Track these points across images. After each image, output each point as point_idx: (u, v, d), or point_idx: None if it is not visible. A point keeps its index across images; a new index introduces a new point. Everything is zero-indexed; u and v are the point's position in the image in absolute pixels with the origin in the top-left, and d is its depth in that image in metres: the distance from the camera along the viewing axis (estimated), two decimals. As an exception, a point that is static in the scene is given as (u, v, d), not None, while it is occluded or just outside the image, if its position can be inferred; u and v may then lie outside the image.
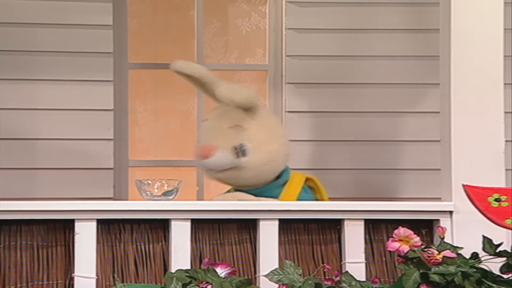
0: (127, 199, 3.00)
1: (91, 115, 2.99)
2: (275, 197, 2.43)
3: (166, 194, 2.26)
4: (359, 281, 2.04)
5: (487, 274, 1.98)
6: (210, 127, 2.40)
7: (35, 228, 2.13)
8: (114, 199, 2.95)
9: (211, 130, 2.39)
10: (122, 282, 2.08)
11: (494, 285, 1.92)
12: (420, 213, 2.21)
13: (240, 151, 2.33)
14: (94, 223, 2.13)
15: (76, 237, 2.12)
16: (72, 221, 2.12)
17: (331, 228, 2.22)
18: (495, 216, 1.95)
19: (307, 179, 2.50)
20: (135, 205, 2.18)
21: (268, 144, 2.39)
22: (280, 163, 2.42)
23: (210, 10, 3.23)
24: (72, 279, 2.11)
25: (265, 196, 2.41)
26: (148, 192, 2.26)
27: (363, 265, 2.18)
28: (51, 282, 2.11)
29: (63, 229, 2.15)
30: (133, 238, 2.17)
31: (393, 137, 3.07)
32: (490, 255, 1.99)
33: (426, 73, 3.00)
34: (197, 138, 2.47)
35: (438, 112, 2.30)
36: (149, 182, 2.26)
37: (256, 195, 2.39)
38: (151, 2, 3.25)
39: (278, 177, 2.45)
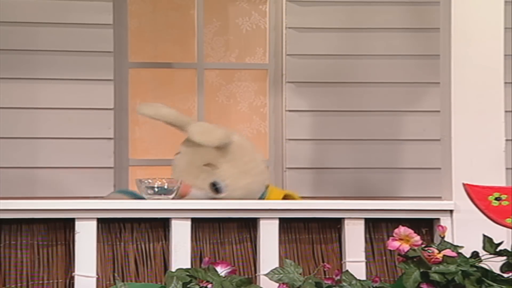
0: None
1: (92, 114, 2.99)
2: None
3: (167, 193, 2.26)
4: (360, 280, 2.04)
5: (487, 273, 1.97)
6: (183, 164, 2.39)
7: (35, 227, 2.13)
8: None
9: (185, 167, 2.37)
10: (123, 281, 2.08)
11: (494, 284, 1.92)
12: (421, 212, 2.21)
13: (216, 189, 2.33)
14: (95, 222, 2.12)
15: (77, 236, 2.11)
16: (72, 220, 2.12)
17: (332, 227, 2.22)
18: (495, 215, 1.94)
19: (285, 196, 2.48)
20: (136, 204, 2.18)
21: (242, 179, 2.39)
22: (257, 192, 2.41)
23: (210, 9, 3.23)
24: (72, 278, 2.10)
25: None
26: (148, 191, 2.25)
27: (363, 264, 2.18)
28: (51, 281, 2.11)
29: (63, 228, 2.15)
30: (133, 237, 2.17)
31: (393, 136, 3.06)
32: (491, 254, 1.99)
33: (426, 72, 3.00)
34: (172, 171, 2.42)
35: (439, 111, 2.30)
36: (149, 181, 2.26)
37: None
38: (151, 1, 3.25)
39: None
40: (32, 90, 2.98)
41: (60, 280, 2.11)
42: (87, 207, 2.13)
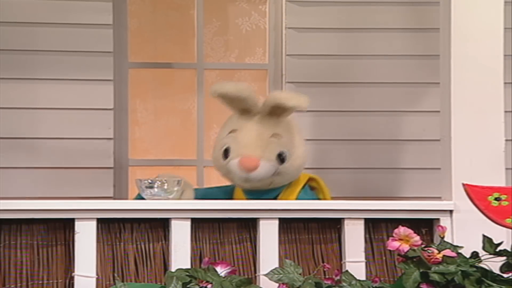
0: (127, 198, 3.00)
1: (91, 114, 2.99)
2: (275, 196, 2.43)
3: (166, 193, 2.26)
4: (359, 280, 2.04)
5: (487, 273, 1.97)
6: (248, 138, 2.37)
7: (35, 227, 2.12)
8: (114, 198, 2.95)
9: (251, 141, 2.36)
10: (122, 281, 2.08)
11: (494, 284, 1.92)
12: (420, 212, 2.20)
13: (281, 158, 2.34)
14: (94, 222, 2.12)
15: (76, 236, 2.11)
16: (72, 220, 2.12)
17: (331, 227, 2.22)
18: (495, 215, 1.94)
19: (309, 179, 2.50)
20: (135, 204, 2.18)
21: (299, 147, 2.42)
22: (306, 162, 2.44)
23: (210, 9, 3.23)
24: (72, 278, 2.10)
25: (266, 195, 2.40)
26: (148, 191, 2.25)
27: (363, 264, 2.18)
28: (51, 281, 2.11)
29: (63, 228, 2.14)
30: (133, 237, 2.17)
31: (393, 136, 3.06)
32: (490, 254, 1.99)
33: (426, 72, 3.00)
34: (226, 149, 2.38)
35: (438, 111, 2.30)
36: (149, 181, 2.26)
37: (256, 197, 2.38)
38: (151, 1, 3.25)
39: None
40: (32, 90, 2.98)
41: (60, 280, 2.11)
42: (87, 207, 2.13)
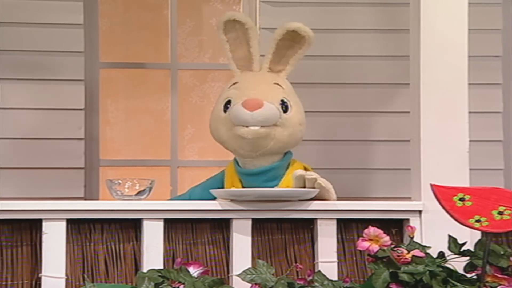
0: (98, 199, 2.98)
1: (62, 114, 2.97)
2: (278, 179, 2.32)
3: (138, 193, 2.25)
4: (331, 280, 2.05)
5: (452, 273, 1.99)
6: (252, 83, 2.31)
7: (-2, 227, 2.11)
8: (85, 199, 2.93)
9: (255, 85, 2.29)
10: (92, 282, 2.06)
11: (458, 284, 1.94)
12: (390, 212, 2.22)
13: (283, 106, 2.28)
14: (64, 223, 2.11)
15: (44, 237, 2.09)
16: (39, 221, 2.10)
17: (304, 227, 2.23)
18: (459, 215, 1.96)
19: (304, 168, 2.45)
20: (106, 205, 2.16)
21: (299, 106, 2.35)
22: (303, 133, 2.36)
23: (184, 9, 3.23)
24: (39, 279, 2.08)
25: (269, 178, 2.30)
26: (118, 192, 2.24)
27: (335, 264, 2.19)
28: (15, 282, 2.08)
29: (29, 229, 2.12)
30: (103, 238, 2.15)
31: (364, 137, 3.08)
32: (455, 254, 2.01)
33: (397, 73, 3.02)
34: (226, 100, 2.27)
35: (409, 112, 2.32)
36: (120, 181, 2.24)
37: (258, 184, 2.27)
38: (123, 1, 3.24)
39: (285, 155, 2.36)
40: (1, 90, 2.95)
41: (25, 281, 2.09)
42: (55, 207, 2.11)
